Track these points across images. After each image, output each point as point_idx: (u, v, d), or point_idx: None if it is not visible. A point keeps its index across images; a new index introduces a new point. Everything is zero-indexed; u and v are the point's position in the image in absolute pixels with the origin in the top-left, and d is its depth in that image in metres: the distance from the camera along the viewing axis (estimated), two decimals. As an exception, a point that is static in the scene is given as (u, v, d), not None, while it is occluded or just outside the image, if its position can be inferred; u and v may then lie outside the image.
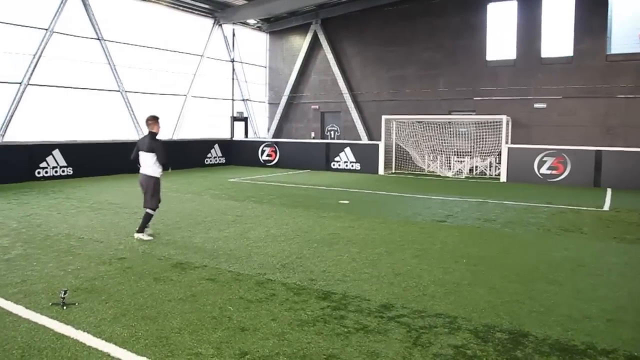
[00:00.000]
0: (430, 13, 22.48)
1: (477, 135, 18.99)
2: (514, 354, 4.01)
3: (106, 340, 4.19)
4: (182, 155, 20.98)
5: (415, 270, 6.35)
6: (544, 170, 16.79)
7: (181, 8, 22.71)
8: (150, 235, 8.15)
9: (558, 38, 19.93)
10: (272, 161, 22.70)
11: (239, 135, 25.31)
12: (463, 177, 18.22)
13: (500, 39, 21.06)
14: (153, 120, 8.12)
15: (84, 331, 4.37)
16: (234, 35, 25.28)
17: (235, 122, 24.94)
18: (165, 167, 8.19)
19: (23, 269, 6.26)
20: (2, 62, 16.61)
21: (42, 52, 17.42)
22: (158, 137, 8.15)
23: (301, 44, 26.42)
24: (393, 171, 20.49)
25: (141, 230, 8.09)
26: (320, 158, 21.58)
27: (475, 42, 21.48)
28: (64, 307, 4.89)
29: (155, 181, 8.08)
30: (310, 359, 3.90)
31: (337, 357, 3.93)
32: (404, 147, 20.32)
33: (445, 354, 4.00)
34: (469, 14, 21.55)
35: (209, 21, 24.39)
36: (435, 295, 5.41)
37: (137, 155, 8.13)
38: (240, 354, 3.96)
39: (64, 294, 5.00)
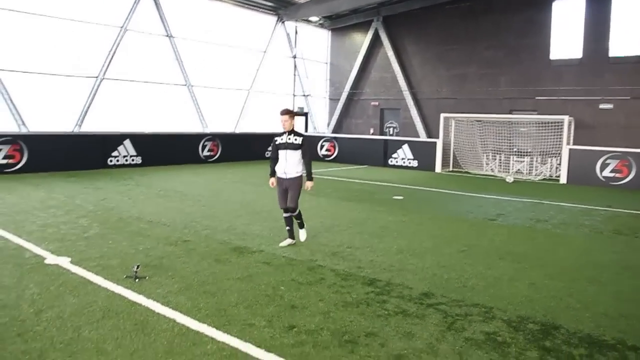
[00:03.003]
0: (493, 11, 22.20)
1: (538, 136, 18.70)
2: (542, 343, 4.25)
3: (172, 309, 4.75)
4: (244, 148, 21.89)
5: (459, 264, 6.61)
6: (606, 173, 16.39)
7: (246, 6, 23.49)
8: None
9: (628, 36, 19.27)
10: (330, 156, 23.16)
11: (299, 130, 25.87)
12: (511, 180, 17.46)
13: (565, 38, 20.56)
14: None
15: (154, 300, 4.96)
16: (296, 32, 25.89)
17: (296, 117, 25.52)
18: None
19: (100, 246, 6.98)
20: (82, 57, 17.86)
21: (116, 49, 18.59)
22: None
23: (362, 41, 26.69)
24: (450, 169, 20.49)
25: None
26: (378, 154, 21.84)
27: (539, 41, 21.06)
28: (136, 280, 5.52)
29: None
30: (351, 335, 4.30)
31: (376, 335, 4.31)
32: (461, 145, 20.27)
33: (476, 339, 4.30)
34: (534, 12, 21.14)
35: (273, 18, 25.07)
36: (475, 288, 5.68)
37: None
38: (288, 327, 4.42)
39: (137, 268, 5.63)
